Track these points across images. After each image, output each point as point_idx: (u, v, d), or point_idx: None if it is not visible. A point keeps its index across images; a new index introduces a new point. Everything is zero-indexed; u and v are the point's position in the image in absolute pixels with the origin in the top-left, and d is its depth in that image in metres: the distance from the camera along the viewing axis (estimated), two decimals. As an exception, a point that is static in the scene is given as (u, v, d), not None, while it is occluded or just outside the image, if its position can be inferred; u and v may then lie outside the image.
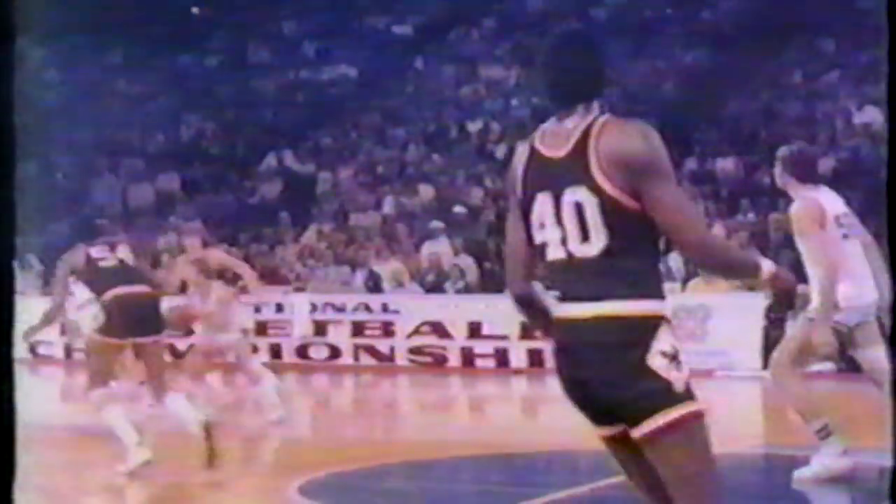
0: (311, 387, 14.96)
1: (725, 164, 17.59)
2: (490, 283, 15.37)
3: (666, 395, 3.11)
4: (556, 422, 10.82)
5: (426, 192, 18.95)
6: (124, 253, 8.07)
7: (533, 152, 3.29)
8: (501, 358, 14.44)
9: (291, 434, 10.15)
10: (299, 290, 16.49)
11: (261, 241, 18.48)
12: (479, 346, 14.60)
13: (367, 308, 15.43)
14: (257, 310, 16.04)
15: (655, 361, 3.10)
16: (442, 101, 21.67)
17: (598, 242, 3.14)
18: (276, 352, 15.72)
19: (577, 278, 3.18)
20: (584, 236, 3.15)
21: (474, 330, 14.61)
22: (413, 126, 21.17)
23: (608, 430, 3.27)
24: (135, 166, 22.29)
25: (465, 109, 21.15)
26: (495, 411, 12.76)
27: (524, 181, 3.29)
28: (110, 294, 7.42)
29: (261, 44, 24.97)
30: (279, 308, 15.94)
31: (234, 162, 21.78)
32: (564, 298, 3.20)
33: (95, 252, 7.70)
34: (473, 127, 20.45)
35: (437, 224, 16.90)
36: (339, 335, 15.43)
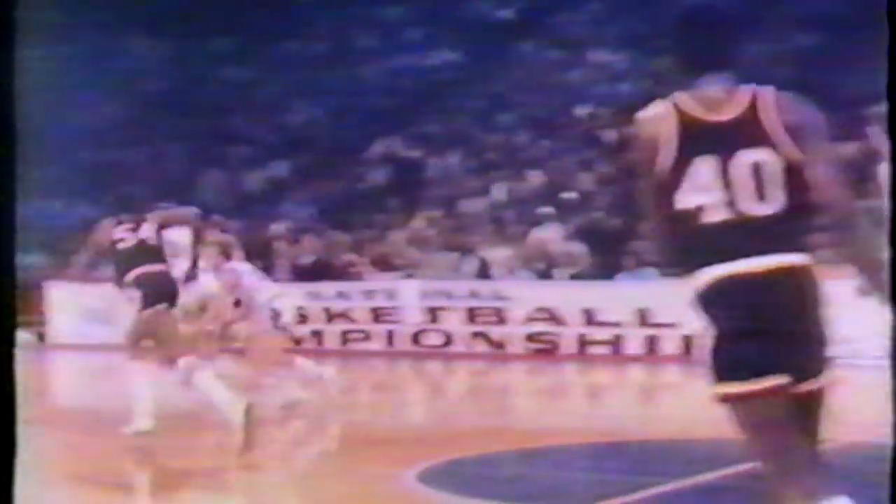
0: (424, 374, 15.17)
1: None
2: (602, 269, 15.46)
3: (830, 351, 3.30)
4: (673, 410, 10.95)
5: (535, 177, 19.04)
6: (148, 231, 8.26)
7: (684, 117, 3.40)
8: (616, 345, 14.52)
9: (407, 422, 10.33)
10: (410, 276, 16.70)
11: (371, 227, 18.71)
12: (594, 333, 14.68)
13: (478, 295, 15.57)
14: (368, 297, 16.39)
15: (825, 315, 3.29)
16: (549, 86, 21.66)
17: (774, 201, 3.32)
18: (389, 339, 15.94)
19: (749, 235, 3.32)
20: (760, 196, 3.32)
21: (589, 316, 14.70)
22: (520, 111, 21.22)
23: (766, 383, 3.31)
24: (244, 154, 22.68)
25: (573, 94, 21.13)
26: (610, 399, 12.82)
27: (680, 146, 3.39)
28: (132, 275, 7.89)
29: (366, 30, 25.18)
30: (390, 295, 16.18)
31: (342, 148, 22.02)
32: (737, 255, 3.31)
33: (117, 233, 8.11)
34: (581, 111, 20.45)
35: (546, 210, 16.98)
36: (452, 322, 15.60)
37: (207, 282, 10.41)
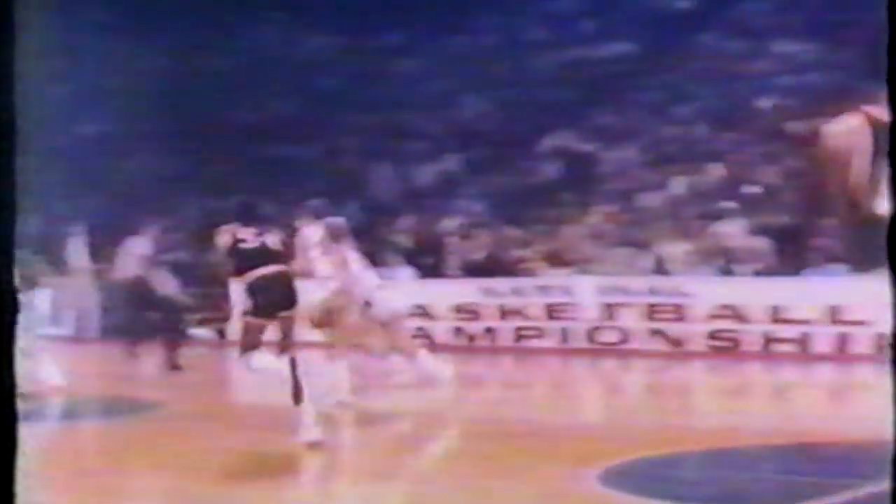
0: (600, 372, 15.12)
1: None
2: (786, 265, 15.14)
3: None
4: (865, 410, 10.65)
5: (715, 170, 18.76)
6: (272, 237, 8.42)
7: (877, 126, 3.40)
8: (804, 343, 14.21)
9: (584, 421, 10.31)
10: (585, 272, 16.65)
11: (544, 222, 18.72)
12: (781, 331, 14.40)
13: (657, 291, 15.44)
14: (543, 293, 16.41)
15: None
16: (729, 77, 21.28)
17: None
18: (563, 336, 15.95)
19: None
20: None
21: (775, 314, 14.43)
22: (699, 103, 20.93)
23: None
24: (415, 149, 22.92)
25: (755, 85, 20.71)
26: (798, 399, 12.57)
27: (874, 155, 3.38)
28: (252, 275, 8.07)
29: (537, 22, 25.16)
30: (565, 292, 16.16)
31: (513, 142, 22.05)
32: None
33: (241, 233, 8.29)
34: (765, 103, 20.04)
35: (728, 204, 16.73)
36: (629, 319, 15.51)
37: (329, 280, 10.49)
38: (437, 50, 24.45)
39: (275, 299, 8.09)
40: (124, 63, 27.78)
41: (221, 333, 18.65)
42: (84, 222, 20.71)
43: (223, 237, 8.41)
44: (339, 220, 11.05)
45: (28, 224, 26.48)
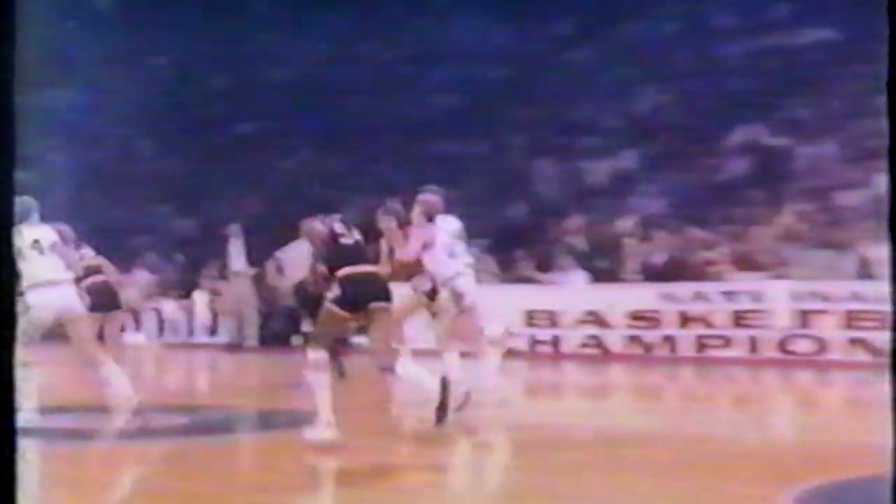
0: (793, 385, 14.53)
1: None
2: None
3: None
4: None
5: (925, 165, 17.85)
6: (358, 234, 8.66)
7: None
8: None
9: (775, 437, 9.79)
10: (778, 276, 16.15)
11: (732, 222, 18.25)
12: None
13: (860, 296, 14.81)
14: (730, 298, 15.91)
15: None
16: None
17: None
18: (752, 345, 15.61)
19: None
20: None
21: None
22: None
23: None
24: (587, 144, 22.62)
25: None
26: None
27: None
28: (345, 271, 8.27)
29: (723, 7, 24.55)
30: (756, 297, 15.81)
31: (696, 137, 21.60)
32: None
33: (338, 228, 8.50)
34: None
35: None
36: (827, 327, 14.97)
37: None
38: (612, 38, 24.12)
39: (367, 293, 8.37)
40: (284, 58, 28.13)
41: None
42: (242, 223, 20.87)
43: (316, 228, 8.70)
44: (433, 196, 10.90)
45: (184, 226, 27.07)
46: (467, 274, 10.73)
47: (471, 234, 20.87)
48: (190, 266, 23.53)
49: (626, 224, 19.22)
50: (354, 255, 8.47)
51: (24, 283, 9.06)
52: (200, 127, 26.69)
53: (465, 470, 8.21)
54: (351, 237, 8.54)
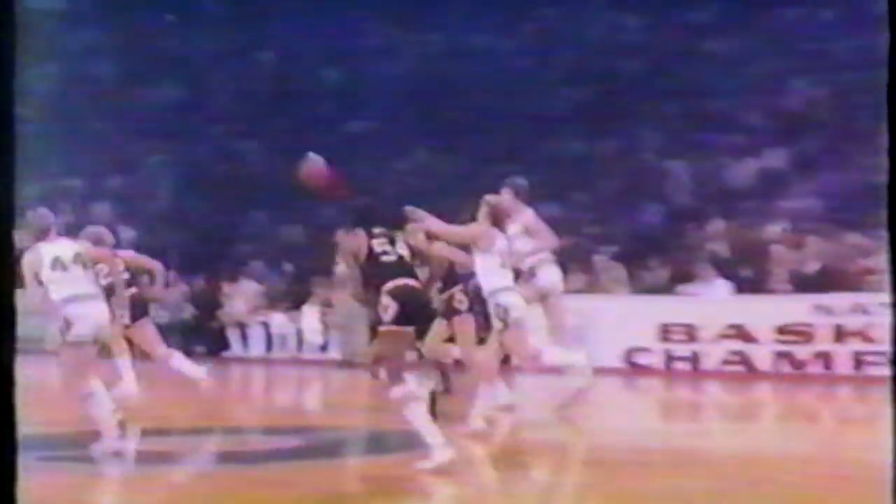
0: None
1: None
2: None
3: None
4: None
5: None
6: (403, 247, 8.63)
7: None
8: None
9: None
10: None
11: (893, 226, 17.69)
12: None
13: None
14: (829, 312, 15.91)
15: None
16: None
17: None
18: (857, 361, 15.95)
19: None
20: None
21: None
22: None
23: None
24: (730, 141, 22.35)
25: None
26: None
27: None
28: (390, 285, 8.27)
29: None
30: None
31: (852, 133, 21.10)
32: None
33: (377, 246, 8.45)
34: None
35: None
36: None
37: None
38: (757, 25, 23.78)
39: (417, 309, 8.42)
40: (395, 52, 28.12)
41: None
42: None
43: (353, 244, 8.57)
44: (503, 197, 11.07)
45: (292, 232, 27.13)
46: (514, 290, 10.53)
47: (599, 240, 20.91)
48: (299, 276, 23.56)
49: (773, 229, 19.10)
50: (398, 273, 8.39)
51: (57, 300, 9.02)
52: (308, 126, 26.74)
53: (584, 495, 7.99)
54: (394, 253, 8.48)
